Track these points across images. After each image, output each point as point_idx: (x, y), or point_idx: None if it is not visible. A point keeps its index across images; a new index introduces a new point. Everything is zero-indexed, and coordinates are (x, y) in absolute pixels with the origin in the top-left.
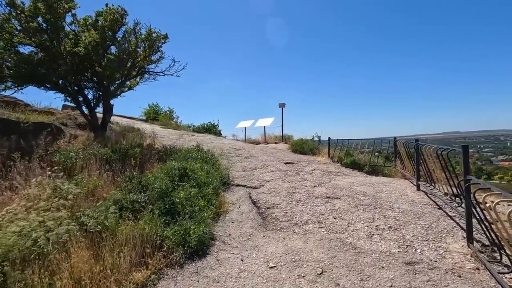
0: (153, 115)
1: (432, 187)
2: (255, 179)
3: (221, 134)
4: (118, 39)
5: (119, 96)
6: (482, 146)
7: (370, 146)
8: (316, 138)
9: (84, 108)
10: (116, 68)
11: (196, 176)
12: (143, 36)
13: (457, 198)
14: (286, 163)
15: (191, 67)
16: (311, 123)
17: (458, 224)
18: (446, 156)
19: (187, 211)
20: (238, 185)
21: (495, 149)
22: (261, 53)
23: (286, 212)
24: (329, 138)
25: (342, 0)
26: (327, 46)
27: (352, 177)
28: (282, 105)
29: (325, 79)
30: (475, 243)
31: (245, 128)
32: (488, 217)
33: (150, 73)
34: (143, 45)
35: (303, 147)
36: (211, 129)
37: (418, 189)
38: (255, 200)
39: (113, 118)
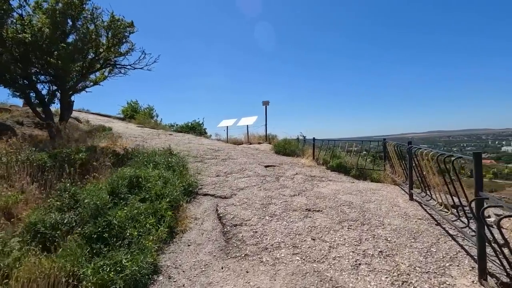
0: (131, 113)
1: (428, 197)
2: (227, 186)
3: (206, 133)
4: (78, 26)
5: (82, 92)
6: (465, 145)
7: (358, 146)
8: (301, 138)
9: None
10: (72, 59)
11: (150, 186)
12: (105, 23)
13: (460, 212)
14: (266, 166)
15: (181, 64)
16: (297, 122)
17: (462, 247)
18: (451, 164)
19: (127, 234)
20: (206, 195)
21: (477, 148)
22: (250, 52)
23: (256, 231)
24: (314, 138)
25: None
26: (314, 53)
27: (338, 182)
28: (265, 103)
29: (312, 80)
30: (489, 278)
31: (227, 127)
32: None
33: (118, 66)
34: (107, 34)
35: (287, 148)
36: (195, 128)
37: (411, 198)
38: (221, 215)
39: (86, 116)
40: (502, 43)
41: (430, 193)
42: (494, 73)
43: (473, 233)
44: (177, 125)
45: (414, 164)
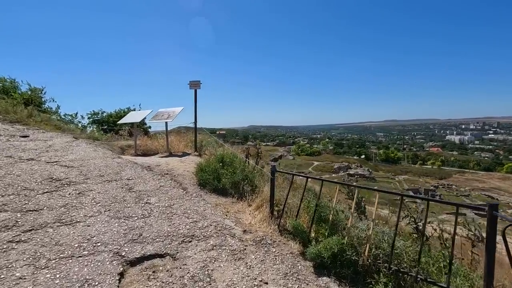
0: None
1: None
2: None
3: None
4: None
5: None
6: (415, 134)
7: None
8: (252, 143)
9: None
10: None
11: None
12: None
13: None
14: (132, 265)
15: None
16: (245, 112)
17: None
18: None
19: None
20: None
21: (425, 136)
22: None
23: None
24: (274, 168)
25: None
26: (276, 40)
27: None
28: (194, 85)
29: (276, 71)
30: None
31: (133, 124)
32: None
33: None
34: None
35: (223, 177)
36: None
37: None
38: None
39: None
40: (447, 44)
41: None
42: (441, 68)
43: None
44: (94, 116)
45: None
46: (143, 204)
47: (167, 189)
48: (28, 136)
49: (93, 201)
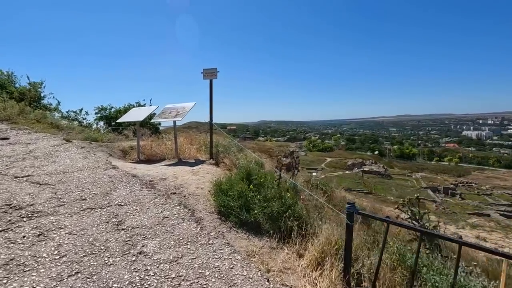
0: None
1: None
2: None
3: (155, 123)
4: None
5: None
6: (430, 129)
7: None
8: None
9: None
10: None
11: None
12: None
13: None
14: None
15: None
16: (250, 109)
17: None
18: None
19: None
20: None
21: (440, 132)
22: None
23: None
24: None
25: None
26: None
27: None
28: (209, 74)
29: (283, 60)
30: None
31: (138, 123)
32: None
33: None
34: None
35: (252, 203)
36: (111, 118)
37: None
38: None
39: None
40: (461, 37)
41: None
42: (456, 61)
43: None
44: (101, 112)
45: None
46: (134, 258)
47: (174, 224)
48: (8, 139)
49: (56, 252)
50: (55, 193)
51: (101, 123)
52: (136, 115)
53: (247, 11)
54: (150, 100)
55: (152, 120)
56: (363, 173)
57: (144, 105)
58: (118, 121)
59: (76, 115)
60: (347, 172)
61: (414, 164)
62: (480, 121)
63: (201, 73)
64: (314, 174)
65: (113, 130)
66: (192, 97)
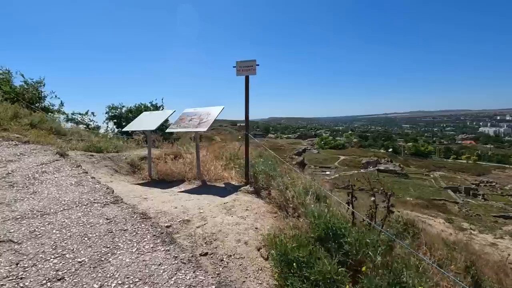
0: None
1: None
2: None
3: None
4: None
5: None
6: (445, 125)
7: None
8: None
9: None
10: None
11: None
12: None
13: None
14: None
15: None
16: (260, 105)
17: None
18: None
19: None
20: None
21: (456, 128)
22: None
23: None
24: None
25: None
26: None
27: None
28: (246, 69)
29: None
30: None
31: (149, 132)
32: None
33: None
34: None
35: None
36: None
37: None
38: None
39: None
40: (478, 32)
41: None
42: (472, 55)
43: None
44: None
45: None
46: None
47: None
48: None
49: None
50: (17, 264)
51: (111, 124)
52: (147, 122)
53: (253, 6)
54: (162, 100)
55: (169, 130)
56: (379, 172)
57: (156, 106)
58: (125, 129)
59: (82, 117)
60: (361, 170)
61: (430, 162)
62: (498, 117)
63: (234, 67)
64: (328, 173)
65: (122, 133)
66: (191, 94)
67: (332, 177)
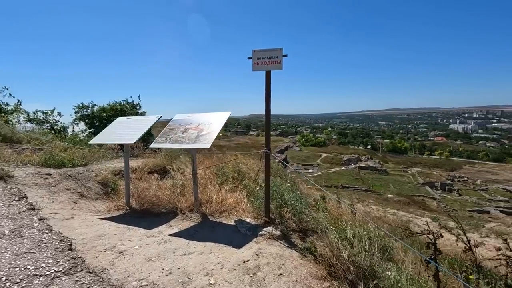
0: None
1: None
2: None
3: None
4: None
5: None
6: (418, 122)
7: None
8: None
9: None
10: None
11: None
12: None
13: None
14: None
15: None
16: (241, 102)
17: None
18: None
19: None
20: None
21: (428, 125)
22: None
23: None
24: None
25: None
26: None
27: None
28: (268, 62)
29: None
30: None
31: (128, 146)
32: None
33: None
34: None
35: None
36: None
37: None
38: None
39: None
40: (447, 31)
41: None
42: (443, 55)
43: None
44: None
45: None
46: None
47: None
48: None
49: None
50: None
51: (82, 125)
52: (124, 131)
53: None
54: (139, 97)
55: (154, 146)
56: (360, 169)
57: (133, 104)
58: (94, 141)
59: (46, 117)
60: (343, 168)
61: (407, 159)
62: (466, 115)
63: (249, 58)
64: (310, 171)
65: (94, 134)
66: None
67: (315, 174)
